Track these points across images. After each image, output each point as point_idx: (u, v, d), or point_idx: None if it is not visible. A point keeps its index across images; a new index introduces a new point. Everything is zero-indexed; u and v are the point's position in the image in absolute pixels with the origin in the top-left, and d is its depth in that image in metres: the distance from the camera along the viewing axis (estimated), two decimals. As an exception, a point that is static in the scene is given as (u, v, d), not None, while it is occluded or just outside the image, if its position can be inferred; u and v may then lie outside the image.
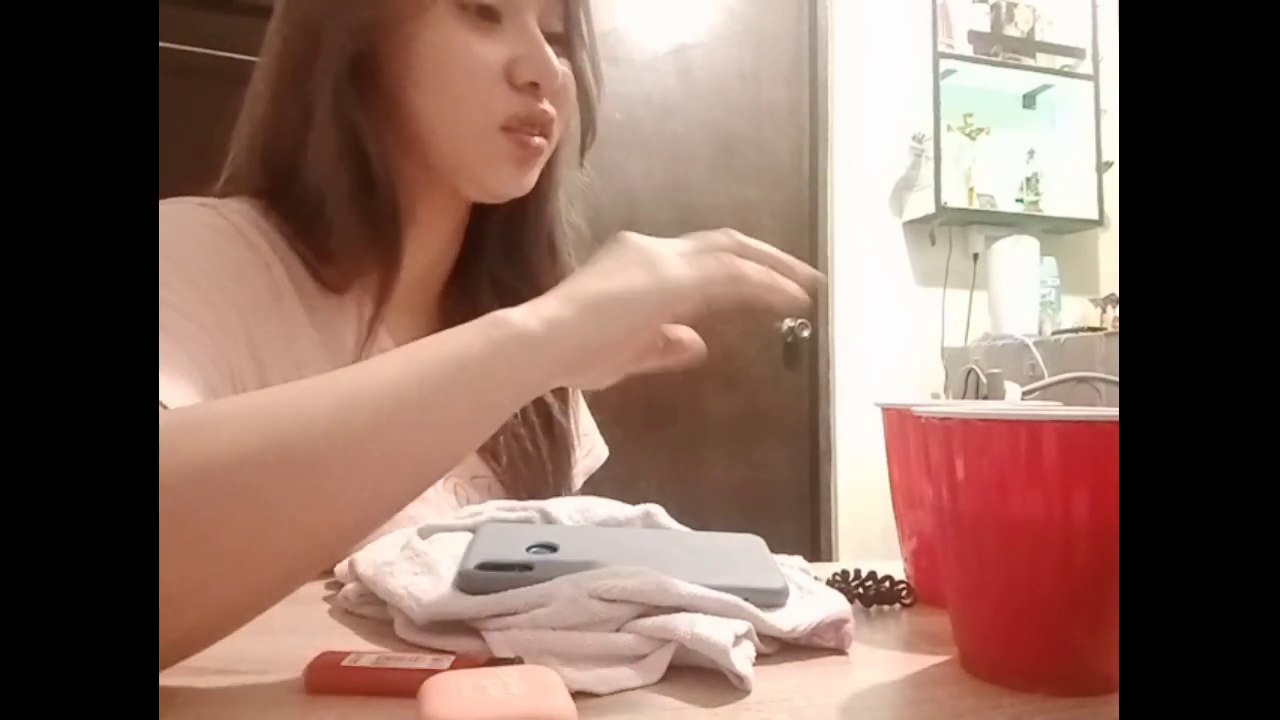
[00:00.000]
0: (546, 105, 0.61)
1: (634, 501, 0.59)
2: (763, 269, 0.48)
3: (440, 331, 0.42)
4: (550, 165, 0.66)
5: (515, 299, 0.47)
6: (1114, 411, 0.34)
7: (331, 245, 0.59)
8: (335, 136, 0.58)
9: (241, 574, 0.34)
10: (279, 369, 0.57)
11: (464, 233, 0.69)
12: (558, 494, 0.71)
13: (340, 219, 0.58)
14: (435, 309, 0.71)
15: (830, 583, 0.51)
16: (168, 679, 0.35)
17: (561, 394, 0.74)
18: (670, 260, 0.46)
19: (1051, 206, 2.88)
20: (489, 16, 0.58)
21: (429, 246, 0.67)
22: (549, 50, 0.59)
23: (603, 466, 0.91)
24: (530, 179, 0.63)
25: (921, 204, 2.71)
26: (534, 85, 0.59)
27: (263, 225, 0.60)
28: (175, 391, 0.44)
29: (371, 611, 0.45)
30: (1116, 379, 2.00)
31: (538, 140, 0.61)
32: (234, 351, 0.54)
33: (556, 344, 0.41)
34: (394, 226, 0.60)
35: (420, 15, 0.57)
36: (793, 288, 0.48)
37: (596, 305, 0.42)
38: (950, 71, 2.74)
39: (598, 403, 0.78)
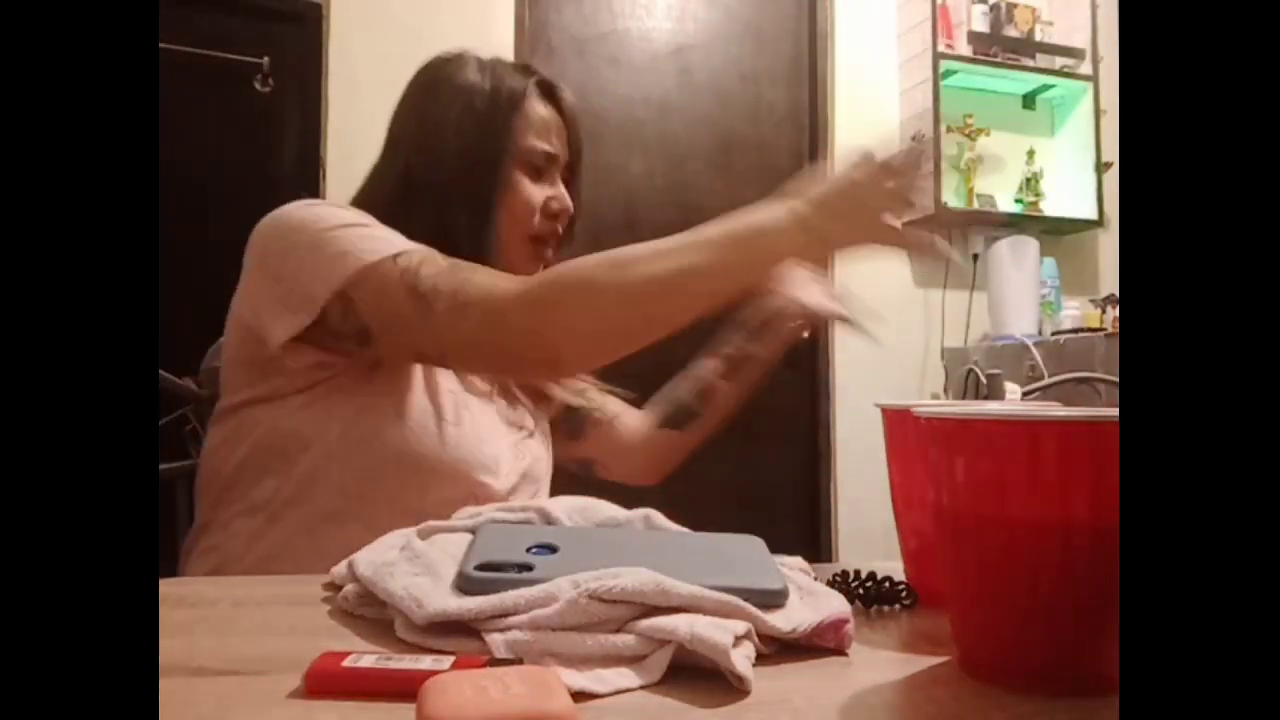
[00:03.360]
0: (559, 227, 0.95)
1: (633, 501, 0.59)
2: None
3: None
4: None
5: None
6: (1114, 411, 0.34)
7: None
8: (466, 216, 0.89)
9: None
10: None
11: None
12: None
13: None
14: None
15: (830, 583, 0.51)
16: (167, 679, 0.35)
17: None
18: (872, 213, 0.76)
19: (1051, 207, 2.88)
20: (537, 174, 0.92)
21: None
22: (567, 196, 0.94)
23: None
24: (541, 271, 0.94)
25: (921, 204, 2.71)
26: (557, 215, 0.93)
27: None
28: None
29: (371, 612, 0.45)
30: (1116, 379, 2.00)
31: (549, 253, 0.94)
32: None
33: (796, 227, 0.73)
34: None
35: (511, 170, 0.90)
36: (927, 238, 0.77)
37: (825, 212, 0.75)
38: (950, 71, 2.74)
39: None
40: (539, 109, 0.92)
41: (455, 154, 0.88)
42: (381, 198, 0.88)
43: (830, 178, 0.76)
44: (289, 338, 0.74)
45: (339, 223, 0.77)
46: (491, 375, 0.88)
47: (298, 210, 0.79)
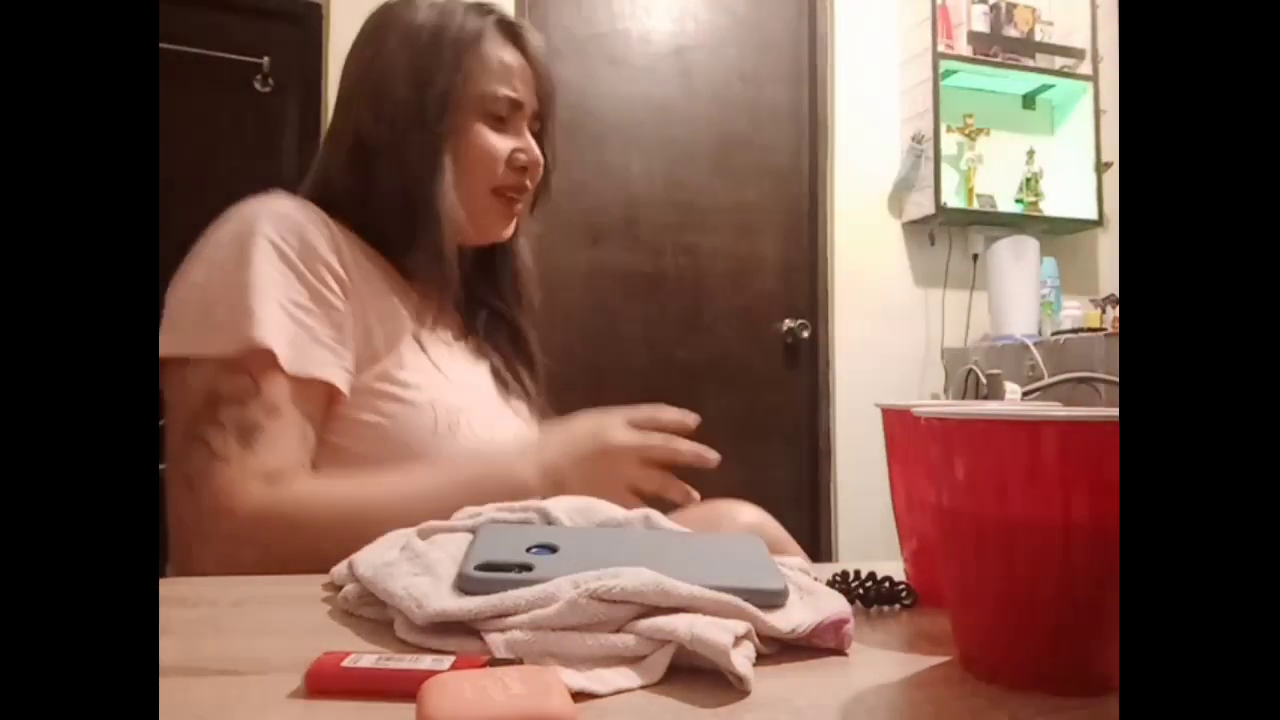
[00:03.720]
0: (527, 181, 0.89)
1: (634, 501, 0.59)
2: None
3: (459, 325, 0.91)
4: (519, 222, 0.94)
5: (494, 305, 0.97)
6: (1114, 411, 0.34)
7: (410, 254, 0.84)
8: (408, 182, 0.83)
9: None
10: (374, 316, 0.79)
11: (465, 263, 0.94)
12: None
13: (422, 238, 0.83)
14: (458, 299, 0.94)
15: (830, 583, 0.51)
16: (168, 679, 0.35)
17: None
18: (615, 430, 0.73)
19: (1051, 207, 2.88)
20: (499, 122, 0.87)
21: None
22: (535, 147, 0.88)
23: None
24: (510, 230, 0.92)
25: (921, 204, 2.71)
26: (524, 168, 0.88)
27: (330, 222, 0.80)
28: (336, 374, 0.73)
29: (371, 612, 0.45)
30: (1116, 379, 2.00)
31: (518, 206, 0.90)
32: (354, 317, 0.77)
33: (542, 483, 0.71)
34: (450, 244, 0.84)
35: (468, 119, 0.85)
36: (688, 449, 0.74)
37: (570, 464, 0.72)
38: (950, 72, 2.74)
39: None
40: (498, 51, 0.85)
41: (403, 104, 0.81)
42: (336, 166, 0.84)
43: (585, 441, 0.73)
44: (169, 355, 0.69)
45: (258, 281, 0.70)
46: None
47: (249, 230, 0.73)
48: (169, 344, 0.69)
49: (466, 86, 0.82)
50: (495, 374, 0.91)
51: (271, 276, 0.72)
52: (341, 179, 0.83)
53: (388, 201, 0.82)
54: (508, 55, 0.86)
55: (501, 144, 0.85)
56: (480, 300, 0.96)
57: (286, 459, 0.69)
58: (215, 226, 0.75)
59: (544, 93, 0.89)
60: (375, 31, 0.86)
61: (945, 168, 2.68)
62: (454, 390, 0.81)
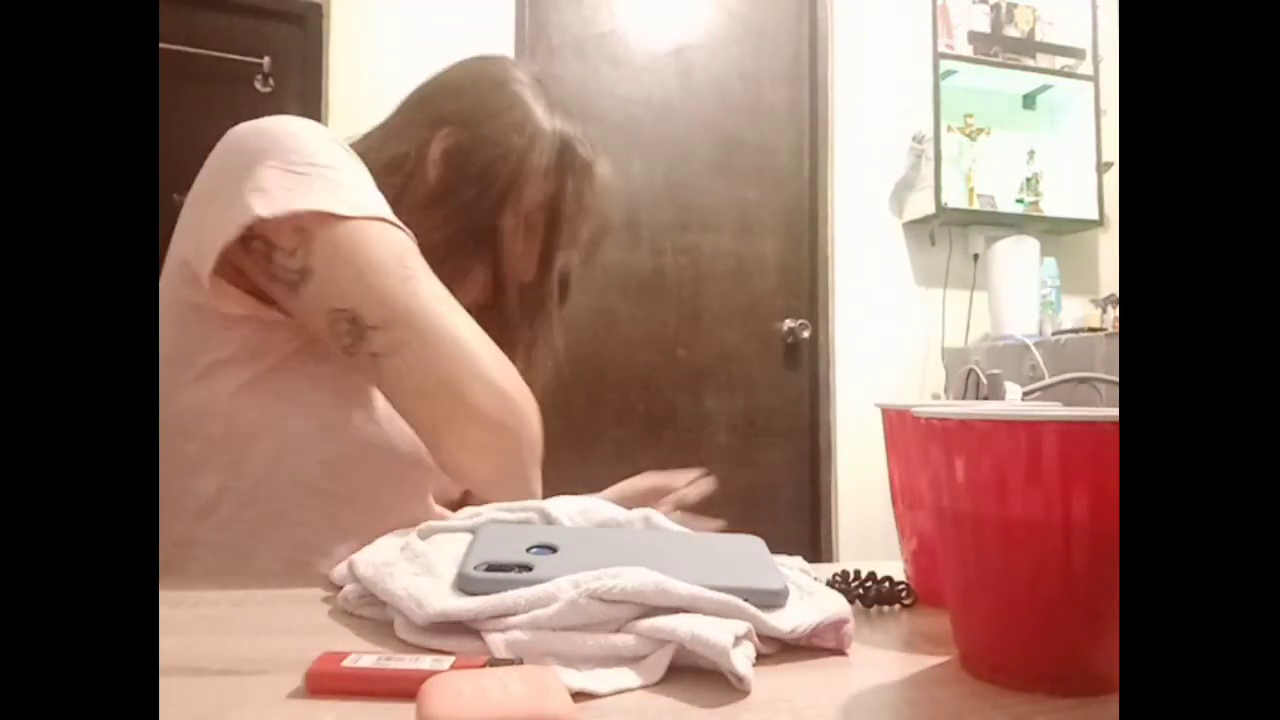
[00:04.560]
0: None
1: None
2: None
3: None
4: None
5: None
6: (1114, 411, 0.34)
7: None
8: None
9: None
10: None
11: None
12: None
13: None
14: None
15: (830, 583, 0.51)
16: (168, 679, 0.35)
17: None
18: None
19: (1051, 207, 2.88)
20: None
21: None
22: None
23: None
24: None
25: (921, 204, 2.71)
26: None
27: None
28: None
29: (371, 612, 0.45)
30: (1116, 379, 2.00)
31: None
32: None
33: None
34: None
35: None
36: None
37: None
38: (950, 72, 2.74)
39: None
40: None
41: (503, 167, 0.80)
42: (407, 160, 0.79)
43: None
44: (222, 248, 0.63)
45: (331, 161, 0.67)
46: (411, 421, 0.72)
47: (279, 129, 0.69)
48: (311, 200, 0.64)
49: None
50: None
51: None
52: (378, 172, 0.79)
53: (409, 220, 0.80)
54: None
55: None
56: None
57: None
58: (242, 134, 0.71)
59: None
60: (493, 85, 0.84)
61: (945, 168, 2.68)
62: None
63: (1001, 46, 2.82)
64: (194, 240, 0.66)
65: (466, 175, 0.80)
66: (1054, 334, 2.47)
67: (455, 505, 0.84)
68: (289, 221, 0.63)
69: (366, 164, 0.74)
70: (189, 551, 0.67)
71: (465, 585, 0.41)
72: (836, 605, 0.43)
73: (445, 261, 0.75)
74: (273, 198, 0.63)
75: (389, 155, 0.79)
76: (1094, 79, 2.88)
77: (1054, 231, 2.90)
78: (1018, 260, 2.56)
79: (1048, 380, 2.18)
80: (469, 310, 0.76)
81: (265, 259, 0.65)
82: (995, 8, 2.83)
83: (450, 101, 0.82)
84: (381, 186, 0.72)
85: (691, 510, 0.88)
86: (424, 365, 0.64)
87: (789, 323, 2.71)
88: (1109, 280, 3.00)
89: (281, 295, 0.66)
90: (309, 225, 0.64)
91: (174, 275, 0.68)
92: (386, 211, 0.68)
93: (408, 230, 0.68)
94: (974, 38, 2.78)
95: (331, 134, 0.72)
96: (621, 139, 2.54)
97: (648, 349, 2.57)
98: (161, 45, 2.04)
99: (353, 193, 0.67)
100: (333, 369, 0.70)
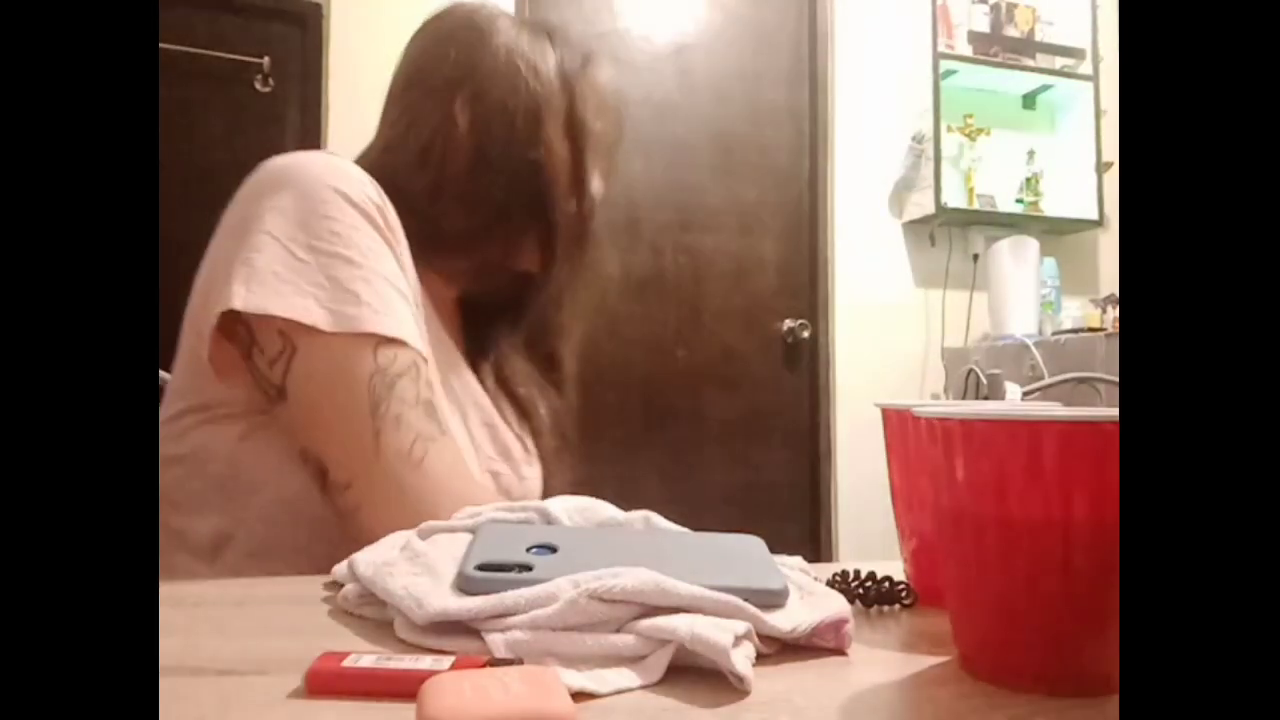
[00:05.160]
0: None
1: (633, 503, 0.59)
2: None
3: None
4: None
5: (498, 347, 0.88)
6: (1114, 411, 0.34)
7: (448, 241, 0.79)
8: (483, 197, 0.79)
9: None
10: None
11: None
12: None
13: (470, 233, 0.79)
14: (454, 324, 0.86)
15: (830, 583, 0.51)
16: (168, 679, 0.35)
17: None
18: None
19: (1051, 207, 2.88)
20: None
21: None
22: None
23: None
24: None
25: (921, 204, 2.71)
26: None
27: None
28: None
29: (371, 612, 0.45)
30: (1116, 379, 2.00)
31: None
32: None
33: None
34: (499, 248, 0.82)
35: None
36: None
37: None
38: (950, 72, 2.74)
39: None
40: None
41: (502, 116, 0.77)
42: (405, 155, 0.78)
43: None
44: (230, 308, 0.60)
45: (347, 245, 0.63)
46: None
47: (309, 180, 0.66)
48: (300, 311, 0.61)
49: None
50: (491, 424, 0.82)
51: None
52: (409, 170, 0.78)
53: (457, 206, 0.78)
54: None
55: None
56: (486, 334, 0.89)
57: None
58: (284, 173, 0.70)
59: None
60: (471, 32, 0.81)
61: (945, 168, 2.68)
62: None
63: (1001, 46, 2.82)
64: (204, 286, 0.64)
65: (493, 128, 0.78)
66: (1054, 334, 2.47)
67: None
68: (268, 322, 0.60)
69: (398, 166, 0.75)
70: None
71: (465, 585, 0.41)
72: (836, 605, 0.43)
73: (498, 235, 0.78)
74: (255, 285, 0.60)
75: (415, 149, 0.78)
76: (1094, 79, 2.88)
77: (1054, 231, 2.91)
78: (1018, 260, 2.56)
79: (1048, 380, 2.18)
80: (518, 285, 0.82)
81: (248, 350, 0.62)
82: (995, 8, 2.83)
83: (442, 68, 0.80)
84: (419, 181, 0.75)
85: None
86: (384, 522, 0.58)
87: (789, 323, 2.71)
88: (1109, 280, 3.00)
89: (265, 396, 0.63)
90: (290, 332, 0.60)
91: (198, 306, 0.65)
92: (383, 320, 0.63)
93: (407, 342, 0.64)
94: (974, 38, 2.78)
95: (370, 194, 0.68)
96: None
97: (648, 349, 2.57)
98: (162, 45, 2.04)
99: (347, 295, 0.62)
100: None
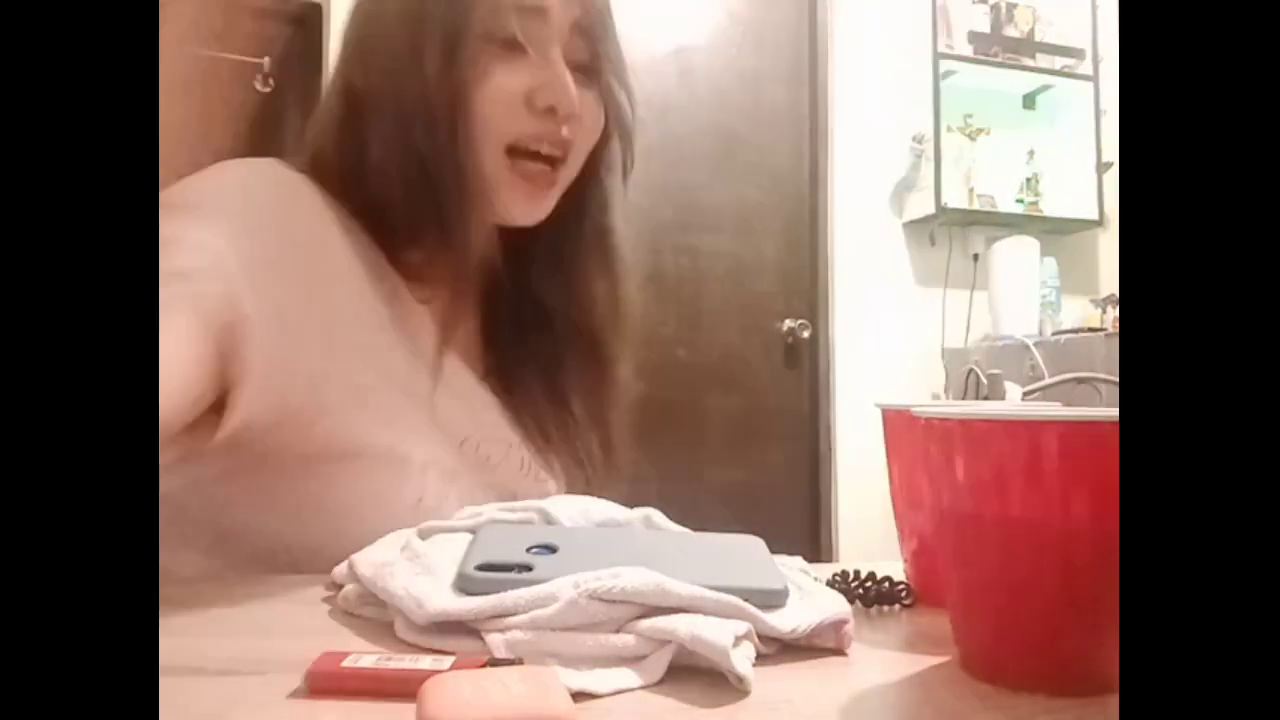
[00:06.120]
0: (565, 131, 0.63)
1: (633, 501, 0.59)
2: None
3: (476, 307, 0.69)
4: (588, 187, 0.70)
5: (553, 308, 0.69)
6: (1114, 411, 0.34)
7: (400, 234, 0.64)
8: (401, 174, 0.62)
9: None
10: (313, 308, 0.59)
11: (500, 247, 0.70)
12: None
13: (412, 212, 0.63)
14: (478, 312, 0.73)
15: (830, 583, 0.51)
16: (168, 679, 0.35)
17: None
18: None
19: (1051, 207, 2.88)
20: (514, 48, 0.61)
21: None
22: (568, 78, 0.62)
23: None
24: (543, 207, 0.66)
25: (921, 204, 2.71)
26: (551, 109, 0.62)
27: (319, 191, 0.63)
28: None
29: (371, 612, 0.45)
30: (1116, 379, 2.00)
31: (543, 168, 0.64)
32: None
33: None
34: (464, 239, 0.63)
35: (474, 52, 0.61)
36: None
37: None
38: (950, 72, 2.74)
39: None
40: None
41: (393, 43, 0.61)
42: (327, 127, 0.66)
43: None
44: None
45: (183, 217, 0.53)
46: None
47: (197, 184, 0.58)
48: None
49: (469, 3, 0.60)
50: (524, 439, 0.69)
51: None
52: (334, 148, 0.65)
53: (383, 174, 0.63)
54: None
55: (516, 82, 0.61)
56: (515, 325, 0.72)
57: None
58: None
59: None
60: None
61: (945, 168, 2.68)
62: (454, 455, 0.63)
63: (1001, 46, 2.82)
64: None
65: (371, 72, 0.63)
66: (1054, 334, 2.47)
67: None
68: None
69: (333, 173, 0.63)
70: None
71: (465, 585, 0.41)
72: (836, 605, 0.43)
73: (411, 235, 0.62)
74: None
75: (324, 148, 0.66)
76: (1094, 79, 2.88)
77: (1054, 231, 2.90)
78: (1018, 260, 2.56)
79: (1048, 380, 2.18)
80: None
81: None
82: (995, 8, 2.83)
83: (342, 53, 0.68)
84: (340, 161, 0.63)
85: None
86: None
87: (789, 323, 2.70)
88: (1109, 280, 2.99)
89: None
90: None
91: None
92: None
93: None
94: (974, 38, 2.78)
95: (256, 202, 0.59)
96: (621, 139, 2.53)
97: (648, 349, 2.57)
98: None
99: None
100: (290, 473, 0.60)
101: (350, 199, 0.64)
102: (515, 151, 0.63)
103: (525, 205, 0.65)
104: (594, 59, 0.66)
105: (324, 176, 0.64)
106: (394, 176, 0.62)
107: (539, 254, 0.72)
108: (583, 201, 0.70)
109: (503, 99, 0.61)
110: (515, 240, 0.70)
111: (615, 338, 0.76)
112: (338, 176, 0.64)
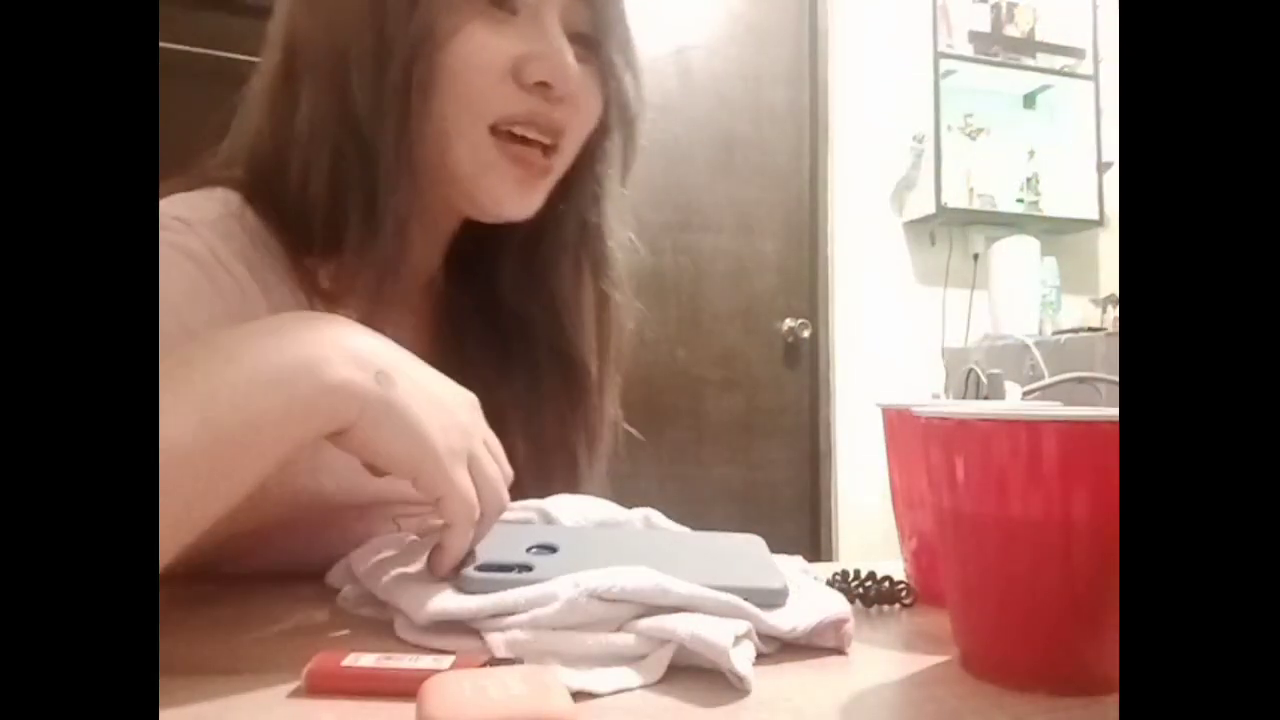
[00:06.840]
0: (557, 114, 0.54)
1: (633, 502, 0.59)
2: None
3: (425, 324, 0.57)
4: (578, 179, 0.60)
5: (530, 320, 0.58)
6: (1114, 411, 0.34)
7: (318, 243, 0.53)
8: (331, 141, 0.52)
9: None
10: None
11: (450, 242, 0.61)
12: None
13: (340, 221, 0.53)
14: (421, 302, 0.64)
15: (830, 583, 0.51)
16: (168, 679, 0.35)
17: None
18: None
19: (1051, 206, 2.88)
20: (503, 6, 0.52)
21: (411, 257, 0.57)
22: (567, 50, 0.52)
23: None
24: (534, 200, 0.57)
25: (921, 204, 2.71)
26: (543, 85, 0.52)
27: (245, 220, 0.53)
28: None
29: (371, 612, 0.45)
30: (1116, 379, 2.00)
31: (537, 155, 0.55)
32: None
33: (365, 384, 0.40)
34: (395, 229, 0.53)
35: (451, 14, 0.51)
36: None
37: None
38: (950, 71, 2.74)
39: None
40: None
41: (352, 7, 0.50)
42: (261, 104, 0.57)
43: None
44: None
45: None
46: None
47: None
48: None
49: None
50: None
51: None
52: (270, 128, 0.55)
53: (307, 150, 0.52)
54: None
55: (503, 46, 0.51)
56: (487, 349, 0.62)
57: None
58: None
59: None
60: None
61: (945, 167, 2.68)
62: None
63: (1001, 46, 2.82)
64: None
65: (316, 8, 0.52)
66: (1054, 334, 2.47)
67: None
68: None
69: (268, 172, 0.54)
70: None
71: (465, 585, 0.41)
72: (836, 605, 0.43)
73: (330, 234, 0.50)
74: None
75: (262, 130, 0.57)
76: (1094, 79, 2.88)
77: (1054, 231, 2.90)
78: (1018, 260, 2.56)
79: (1048, 380, 2.18)
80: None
81: None
82: (995, 7, 2.83)
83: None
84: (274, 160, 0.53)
85: None
86: None
87: (789, 323, 2.70)
88: (1109, 280, 2.99)
89: None
90: None
91: None
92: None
93: None
94: (974, 37, 2.78)
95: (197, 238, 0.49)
96: (621, 139, 2.53)
97: (648, 349, 2.57)
98: (162, 45, 2.04)
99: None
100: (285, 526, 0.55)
101: (279, 208, 0.54)
102: (498, 134, 0.53)
103: (516, 193, 0.55)
104: (597, 29, 0.57)
105: (260, 177, 0.55)
106: (321, 150, 0.51)
107: (510, 255, 0.62)
108: (567, 193, 0.60)
109: (483, 64, 0.50)
110: (483, 241, 0.60)
111: (598, 358, 0.64)
112: (273, 175, 0.54)
